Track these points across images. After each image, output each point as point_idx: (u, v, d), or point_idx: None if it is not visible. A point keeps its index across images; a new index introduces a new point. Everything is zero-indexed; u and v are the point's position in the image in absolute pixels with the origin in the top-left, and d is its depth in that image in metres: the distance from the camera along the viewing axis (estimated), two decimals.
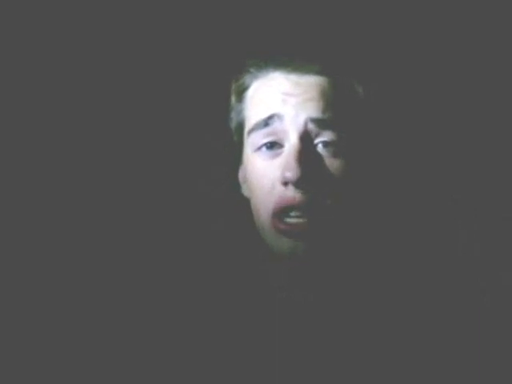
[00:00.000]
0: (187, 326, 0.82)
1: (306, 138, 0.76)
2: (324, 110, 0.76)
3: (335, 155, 0.76)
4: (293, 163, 0.74)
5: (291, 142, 0.76)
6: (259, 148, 0.78)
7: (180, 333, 0.82)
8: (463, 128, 0.95)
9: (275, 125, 0.77)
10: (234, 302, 0.83)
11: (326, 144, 0.76)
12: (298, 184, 0.74)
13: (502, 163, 0.94)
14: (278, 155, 0.77)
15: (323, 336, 0.77)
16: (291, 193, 0.75)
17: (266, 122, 0.77)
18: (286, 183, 0.75)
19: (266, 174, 0.77)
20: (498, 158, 0.94)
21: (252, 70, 0.81)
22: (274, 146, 0.77)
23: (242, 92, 0.82)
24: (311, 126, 0.76)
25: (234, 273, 0.88)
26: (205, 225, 0.98)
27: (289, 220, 0.76)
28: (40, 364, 0.87)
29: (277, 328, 0.79)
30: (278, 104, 0.77)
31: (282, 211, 0.76)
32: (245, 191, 0.86)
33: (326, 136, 0.76)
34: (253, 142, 0.79)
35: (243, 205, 0.84)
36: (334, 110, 0.76)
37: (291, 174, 0.74)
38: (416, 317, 0.78)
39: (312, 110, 0.76)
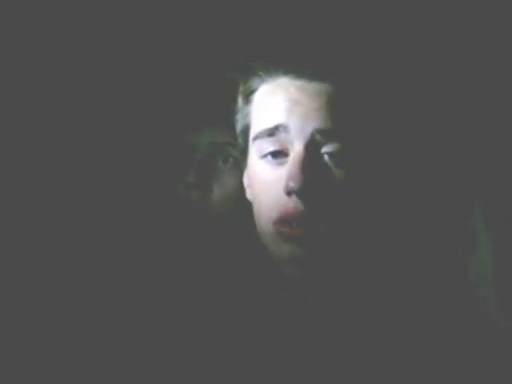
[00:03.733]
0: (188, 328, 0.82)
1: (311, 148, 0.74)
2: (331, 121, 0.74)
3: (340, 165, 0.74)
4: (297, 173, 0.73)
5: (296, 151, 0.74)
6: (264, 156, 0.77)
7: (181, 335, 0.82)
8: (472, 140, 0.93)
9: (280, 135, 0.75)
10: (234, 305, 0.83)
11: (331, 154, 0.74)
12: (301, 194, 0.73)
13: (503, 167, 0.92)
14: (282, 164, 0.76)
15: (323, 340, 0.77)
16: (294, 203, 0.74)
17: (271, 132, 0.76)
18: (289, 193, 0.74)
19: (270, 182, 0.76)
20: (499, 166, 0.92)
21: (261, 73, 0.79)
22: (278, 154, 0.76)
23: (249, 95, 0.81)
24: (318, 137, 0.74)
25: (234, 276, 0.87)
26: (205, 227, 0.97)
27: (291, 229, 0.75)
28: (40, 364, 0.88)
29: (277, 332, 0.79)
30: (284, 113, 0.75)
31: (284, 220, 0.75)
32: (249, 195, 0.85)
33: (332, 146, 0.74)
34: (258, 148, 0.78)
35: (248, 208, 0.83)
36: (341, 119, 0.74)
37: (295, 184, 0.72)
38: (416, 321, 0.78)
39: (319, 120, 0.74)
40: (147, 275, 0.93)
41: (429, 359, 0.76)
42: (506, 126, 0.92)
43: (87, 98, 0.99)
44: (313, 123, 0.74)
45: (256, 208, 0.80)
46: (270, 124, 0.76)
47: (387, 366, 0.75)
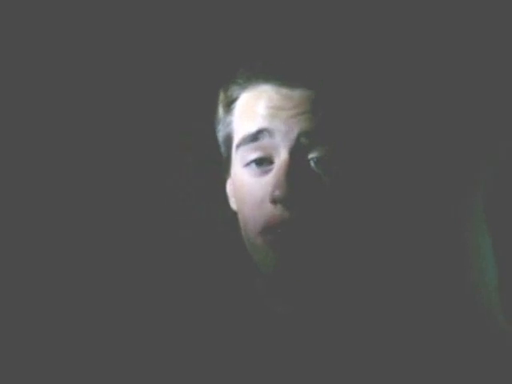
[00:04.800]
0: (178, 334, 0.81)
1: (297, 154, 0.72)
2: (317, 125, 0.72)
3: (327, 172, 0.73)
4: (283, 181, 0.71)
5: (281, 157, 0.73)
6: (248, 164, 0.75)
7: (172, 341, 0.81)
8: (463, 144, 0.93)
9: (264, 140, 0.73)
10: (221, 315, 0.82)
11: (317, 160, 0.73)
12: (287, 202, 0.71)
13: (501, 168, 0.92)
14: (267, 172, 0.74)
15: (314, 349, 0.76)
16: (280, 211, 0.72)
17: (254, 137, 0.74)
18: (274, 201, 0.72)
19: (255, 190, 0.74)
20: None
21: (241, 81, 0.77)
22: (263, 162, 0.74)
23: (230, 103, 0.79)
24: (303, 141, 0.72)
25: (220, 285, 0.86)
26: (192, 235, 0.96)
27: (277, 237, 0.73)
28: (40, 364, 0.88)
29: (270, 337, 0.77)
30: (268, 118, 0.73)
31: (270, 229, 0.73)
32: (233, 204, 0.83)
33: (318, 151, 0.72)
34: (241, 156, 0.76)
35: (231, 217, 0.82)
36: (326, 124, 0.73)
37: (280, 192, 0.71)
38: (414, 328, 0.77)
39: (305, 124, 0.72)
40: (138, 284, 0.93)
41: (429, 363, 0.74)
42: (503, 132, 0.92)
43: (90, 99, 0.99)
44: (298, 127, 0.72)
45: (241, 218, 0.78)
46: (254, 129, 0.74)
47: (387, 370, 0.74)
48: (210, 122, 0.85)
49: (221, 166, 0.86)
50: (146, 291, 0.93)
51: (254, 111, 0.75)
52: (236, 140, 0.77)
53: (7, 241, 0.95)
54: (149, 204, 1.00)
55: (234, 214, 0.82)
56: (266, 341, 0.77)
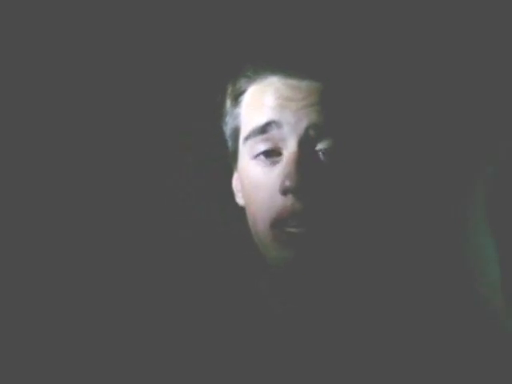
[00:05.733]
0: (179, 335, 0.81)
1: (305, 145, 0.72)
2: (325, 117, 0.72)
3: (336, 162, 0.73)
4: (292, 171, 0.71)
5: (290, 149, 0.72)
6: (257, 156, 0.75)
7: (174, 339, 0.81)
8: (463, 144, 0.94)
9: (273, 132, 0.73)
10: (229, 311, 0.81)
11: (326, 151, 0.73)
12: (298, 193, 0.71)
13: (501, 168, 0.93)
14: (276, 163, 0.74)
15: (320, 344, 0.75)
16: (291, 202, 0.72)
17: (263, 129, 0.74)
18: (285, 192, 0.72)
19: (264, 182, 0.74)
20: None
21: (249, 73, 0.77)
22: (271, 153, 0.74)
23: (238, 96, 0.79)
24: (312, 133, 0.72)
25: (228, 282, 0.86)
26: (198, 233, 0.95)
27: (288, 229, 0.73)
28: (40, 364, 0.87)
29: (272, 338, 0.77)
30: (276, 110, 0.73)
31: (281, 221, 0.73)
32: (239, 200, 0.83)
33: (327, 143, 0.72)
34: (249, 149, 0.76)
35: (238, 213, 0.82)
36: (335, 116, 0.73)
37: (291, 183, 0.70)
38: (416, 323, 0.77)
39: (313, 115, 0.72)
40: (139, 282, 0.92)
41: (431, 363, 0.75)
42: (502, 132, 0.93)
43: (90, 99, 0.99)
44: (307, 119, 0.72)
45: (250, 212, 0.78)
46: (262, 121, 0.74)
47: (389, 370, 0.74)
48: (211, 121, 0.85)
49: (221, 164, 0.87)
50: (147, 292, 0.92)
51: (262, 103, 0.75)
52: (244, 132, 0.77)
53: (7, 241, 0.94)
54: (149, 204, 0.99)
55: (242, 209, 0.81)
56: (269, 341, 0.76)
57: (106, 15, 0.98)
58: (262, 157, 0.75)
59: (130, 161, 1.00)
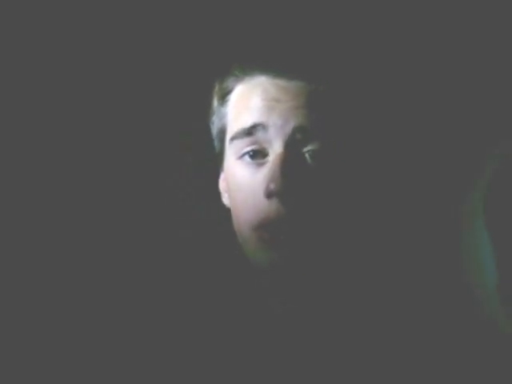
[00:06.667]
0: (178, 335, 0.81)
1: (291, 148, 0.70)
2: (312, 119, 0.70)
3: (323, 165, 0.71)
4: (278, 174, 0.69)
5: (276, 151, 0.71)
6: (242, 156, 0.73)
7: (174, 339, 0.81)
8: (463, 144, 0.92)
9: (259, 134, 0.72)
10: (228, 311, 0.81)
11: (312, 154, 0.71)
12: (282, 196, 0.69)
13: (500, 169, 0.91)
14: (261, 165, 0.72)
15: (320, 346, 0.74)
16: (275, 206, 0.70)
17: (248, 131, 0.72)
18: (270, 195, 0.70)
19: (249, 184, 0.72)
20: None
21: (236, 72, 0.75)
22: (257, 154, 0.72)
23: (225, 95, 0.77)
24: (299, 135, 0.70)
25: (228, 282, 0.86)
26: (184, 234, 0.96)
27: (272, 233, 0.71)
28: (40, 364, 0.88)
29: (272, 338, 0.76)
30: (263, 112, 0.71)
31: (265, 225, 0.71)
32: (226, 200, 0.82)
33: (313, 145, 0.70)
34: (235, 149, 0.74)
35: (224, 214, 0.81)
36: (322, 118, 0.71)
37: (275, 187, 0.69)
38: (410, 328, 0.75)
39: (301, 118, 0.70)
40: (131, 286, 0.92)
41: (429, 364, 0.73)
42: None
43: (89, 99, 0.99)
44: (294, 121, 0.70)
45: (234, 213, 0.76)
46: (248, 123, 0.72)
47: (387, 370, 0.73)
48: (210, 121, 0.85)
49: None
50: (146, 291, 0.93)
51: (249, 104, 0.73)
52: (230, 133, 0.76)
53: (7, 241, 0.95)
54: (149, 204, 0.99)
55: (228, 210, 0.80)
56: (269, 341, 0.76)
57: (106, 15, 0.98)
58: (247, 157, 0.73)
59: (130, 161, 1.00)
